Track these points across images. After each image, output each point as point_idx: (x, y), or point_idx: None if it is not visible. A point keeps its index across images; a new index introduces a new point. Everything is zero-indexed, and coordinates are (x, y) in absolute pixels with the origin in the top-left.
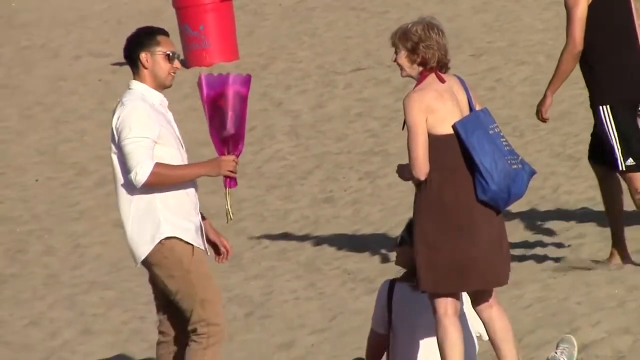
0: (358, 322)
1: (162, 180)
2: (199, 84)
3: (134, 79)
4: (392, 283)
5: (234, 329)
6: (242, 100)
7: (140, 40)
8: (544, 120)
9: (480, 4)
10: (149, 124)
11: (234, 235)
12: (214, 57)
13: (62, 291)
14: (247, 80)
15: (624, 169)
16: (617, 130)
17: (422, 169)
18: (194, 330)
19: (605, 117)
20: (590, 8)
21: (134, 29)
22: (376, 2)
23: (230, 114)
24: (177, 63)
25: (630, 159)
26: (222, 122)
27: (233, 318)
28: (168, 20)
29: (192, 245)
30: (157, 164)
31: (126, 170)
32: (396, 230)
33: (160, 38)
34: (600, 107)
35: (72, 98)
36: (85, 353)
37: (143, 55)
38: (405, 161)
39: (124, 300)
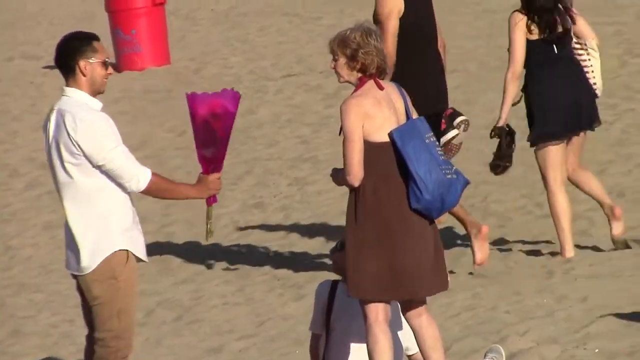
0: (286, 327)
1: (158, 190)
2: (190, 101)
3: (69, 85)
4: (334, 283)
5: (162, 333)
6: (231, 118)
7: (77, 48)
8: None
9: None
10: (116, 131)
11: (163, 240)
12: (145, 62)
13: None
14: (236, 98)
15: None
16: None
17: (356, 175)
18: (102, 339)
19: None
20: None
21: (66, 32)
22: (309, 8)
23: (220, 135)
24: (110, 69)
25: None
26: (211, 142)
27: (162, 322)
28: (100, 23)
29: (128, 252)
30: (154, 173)
31: (121, 181)
32: (325, 236)
33: (96, 44)
34: None
35: (4, 100)
36: (14, 354)
37: (82, 63)
38: (337, 167)
39: (53, 303)
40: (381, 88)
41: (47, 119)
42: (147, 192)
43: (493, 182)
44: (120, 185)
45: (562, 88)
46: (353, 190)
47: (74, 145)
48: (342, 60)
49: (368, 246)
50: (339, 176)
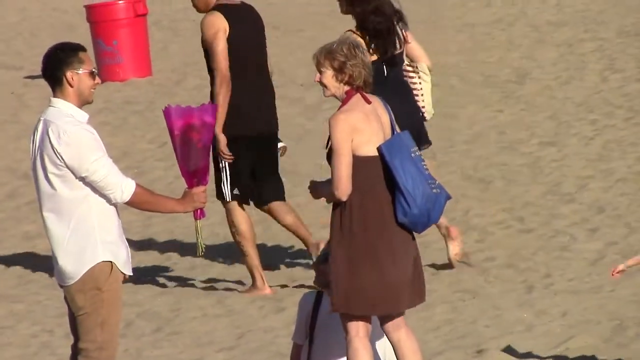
0: (266, 340)
1: (142, 202)
2: (167, 115)
3: (56, 96)
4: (319, 294)
5: (141, 345)
6: (209, 130)
7: (63, 59)
8: (229, 158)
9: None
10: (100, 143)
11: (143, 252)
12: (127, 73)
13: None
14: (213, 110)
15: (229, 199)
16: (228, 163)
17: (345, 190)
18: (85, 350)
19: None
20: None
21: (47, 43)
22: (290, 20)
23: (199, 147)
24: (98, 79)
25: (237, 189)
26: (192, 155)
27: (141, 334)
28: (82, 34)
29: (112, 263)
30: (139, 185)
31: (106, 192)
32: (306, 249)
33: (82, 55)
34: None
35: None
36: None
37: (69, 74)
38: (315, 179)
39: (32, 314)
40: (368, 102)
41: (34, 129)
42: (131, 203)
43: (474, 197)
44: (104, 196)
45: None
46: (338, 205)
47: (57, 156)
48: (329, 73)
49: (355, 261)
50: (321, 190)
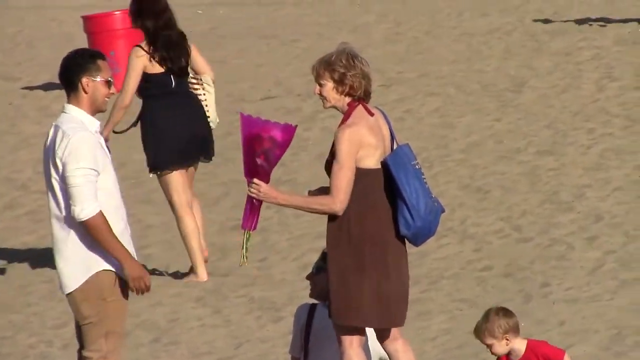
0: (264, 350)
1: (96, 230)
2: (241, 120)
3: (70, 102)
4: (312, 306)
5: (140, 355)
6: (277, 146)
7: (81, 64)
8: None
9: (391, 35)
10: (95, 155)
11: (141, 262)
12: None
13: None
14: (288, 129)
15: None
16: None
17: (343, 201)
18: (90, 359)
19: None
20: None
21: (45, 53)
22: (287, 31)
23: (261, 159)
24: (113, 88)
25: None
26: (256, 164)
27: (139, 344)
28: (79, 45)
29: (116, 273)
30: (101, 214)
31: (70, 201)
32: (303, 259)
33: (100, 63)
34: None
35: None
36: None
37: (84, 80)
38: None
39: (31, 324)
40: (371, 114)
41: (47, 136)
42: (86, 225)
43: (471, 206)
44: (68, 206)
45: (177, 120)
46: (336, 217)
47: (58, 159)
48: (330, 85)
49: (353, 273)
50: (312, 203)
